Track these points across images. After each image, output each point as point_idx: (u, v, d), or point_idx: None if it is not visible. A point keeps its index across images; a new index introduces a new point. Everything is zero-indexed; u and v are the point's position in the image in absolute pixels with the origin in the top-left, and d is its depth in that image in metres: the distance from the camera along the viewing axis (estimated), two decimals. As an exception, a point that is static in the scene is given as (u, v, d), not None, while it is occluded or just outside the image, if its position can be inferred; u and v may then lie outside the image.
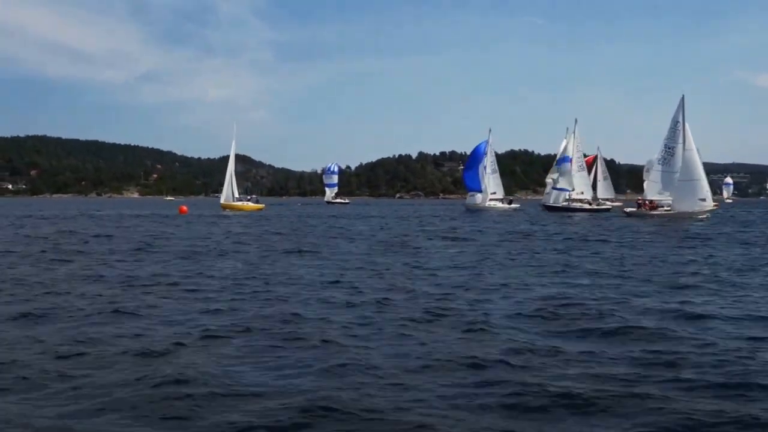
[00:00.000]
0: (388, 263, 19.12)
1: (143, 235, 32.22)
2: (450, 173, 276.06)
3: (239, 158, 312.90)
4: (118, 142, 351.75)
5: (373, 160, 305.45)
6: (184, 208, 69.02)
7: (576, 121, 69.55)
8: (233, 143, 74.52)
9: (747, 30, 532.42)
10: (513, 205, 74.82)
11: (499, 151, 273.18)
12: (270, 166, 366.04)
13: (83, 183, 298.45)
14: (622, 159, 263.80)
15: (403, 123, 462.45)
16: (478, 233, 34.40)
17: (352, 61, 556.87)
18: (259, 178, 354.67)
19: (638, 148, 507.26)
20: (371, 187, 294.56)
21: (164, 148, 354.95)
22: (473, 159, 73.16)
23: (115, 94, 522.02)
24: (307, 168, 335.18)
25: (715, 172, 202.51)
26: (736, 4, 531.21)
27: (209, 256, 21.53)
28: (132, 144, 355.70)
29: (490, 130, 73.28)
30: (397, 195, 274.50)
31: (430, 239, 30.07)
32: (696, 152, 50.61)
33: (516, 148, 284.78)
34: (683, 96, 51.69)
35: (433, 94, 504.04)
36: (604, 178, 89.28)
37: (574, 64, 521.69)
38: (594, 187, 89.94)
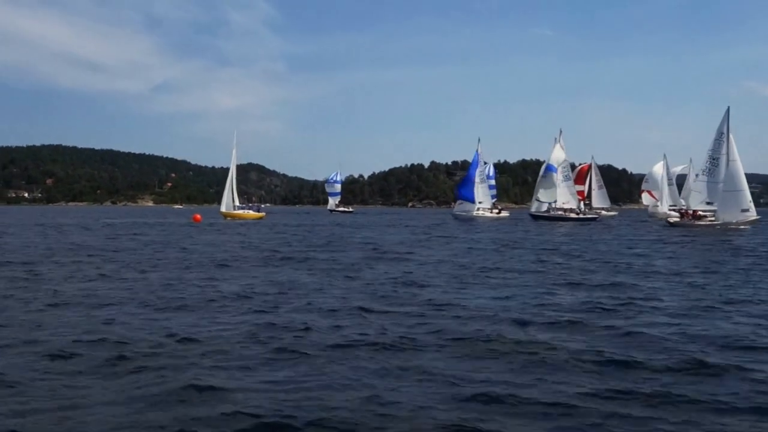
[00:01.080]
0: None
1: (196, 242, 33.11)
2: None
3: (253, 167, 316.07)
4: (132, 152, 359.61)
5: (386, 170, 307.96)
6: (198, 216, 69.68)
7: (561, 131, 71.41)
8: (234, 151, 75.31)
9: (754, 41, 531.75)
10: (502, 214, 76.73)
11: (511, 161, 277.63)
12: (284, 175, 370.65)
13: (98, 191, 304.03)
14: (635, 169, 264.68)
15: (415, 132, 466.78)
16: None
17: (363, 71, 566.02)
18: (272, 186, 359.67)
19: (651, 159, 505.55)
20: (384, 196, 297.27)
21: (178, 157, 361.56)
22: (471, 169, 75.12)
23: (130, 104, 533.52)
24: (320, 177, 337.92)
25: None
26: (742, 16, 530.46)
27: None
28: (147, 153, 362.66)
29: (479, 140, 75.75)
30: (410, 204, 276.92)
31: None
32: (740, 163, 51.37)
33: (528, 158, 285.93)
34: (728, 108, 51.87)
35: (445, 103, 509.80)
36: (599, 187, 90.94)
37: (584, 74, 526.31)
38: (589, 196, 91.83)
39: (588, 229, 54.30)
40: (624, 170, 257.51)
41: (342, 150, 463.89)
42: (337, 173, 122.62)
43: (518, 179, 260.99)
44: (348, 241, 35.38)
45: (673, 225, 55.83)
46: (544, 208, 69.34)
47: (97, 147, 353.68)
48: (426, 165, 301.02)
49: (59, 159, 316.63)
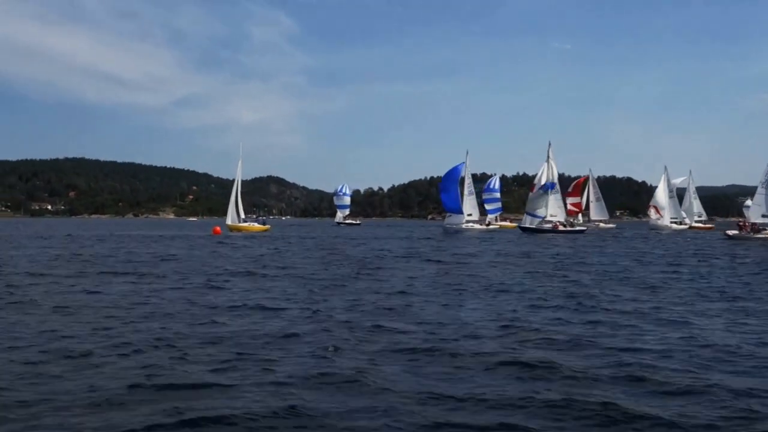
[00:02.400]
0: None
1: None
2: (480, 195, 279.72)
3: (273, 180, 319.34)
4: (154, 165, 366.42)
5: (405, 182, 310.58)
6: (218, 228, 69.46)
7: (550, 144, 73.08)
8: (239, 164, 74.35)
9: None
10: (491, 227, 78.44)
11: (530, 173, 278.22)
12: (303, 187, 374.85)
13: (120, 204, 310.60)
14: (653, 181, 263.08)
15: (434, 145, 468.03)
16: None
17: (383, 84, 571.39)
18: (293, 199, 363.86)
19: (670, 171, 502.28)
20: (404, 208, 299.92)
21: (200, 170, 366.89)
22: (449, 179, 76.33)
23: (153, 117, 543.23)
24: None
25: (744, 194, 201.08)
26: (763, 28, 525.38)
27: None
28: (168, 166, 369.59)
29: (467, 152, 77.92)
30: (429, 216, 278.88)
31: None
32: None
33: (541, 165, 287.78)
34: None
35: (463, 116, 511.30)
36: (597, 200, 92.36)
37: (604, 87, 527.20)
38: (587, 207, 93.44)
39: (619, 242, 53.46)
40: (644, 183, 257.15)
41: (361, 162, 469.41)
42: (344, 186, 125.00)
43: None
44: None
45: (731, 238, 55.79)
46: (534, 221, 70.76)
47: (120, 160, 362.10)
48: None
49: (82, 172, 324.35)
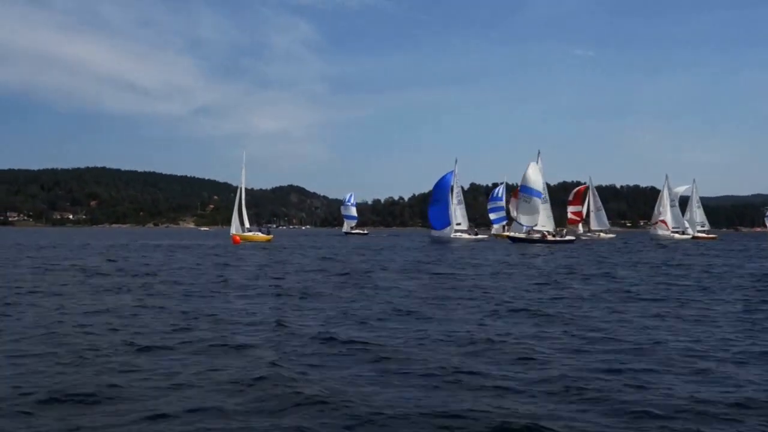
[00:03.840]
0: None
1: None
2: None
3: (294, 189, 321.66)
4: (175, 174, 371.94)
5: (426, 191, 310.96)
6: (238, 238, 70.12)
7: (539, 152, 73.82)
8: (243, 171, 75.80)
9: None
10: (479, 236, 78.96)
11: (551, 183, 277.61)
12: (324, 197, 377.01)
13: (141, 213, 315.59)
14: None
15: (455, 154, 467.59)
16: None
17: (403, 92, 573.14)
18: (313, 208, 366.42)
19: (689, 181, 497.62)
20: (424, 218, 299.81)
21: (220, 179, 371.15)
22: (440, 191, 76.34)
23: (173, 126, 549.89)
24: (359, 199, 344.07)
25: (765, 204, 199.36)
26: None
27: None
28: (189, 175, 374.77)
29: (456, 161, 78.41)
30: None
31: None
32: None
33: (569, 180, 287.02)
34: None
35: (485, 124, 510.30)
36: (597, 209, 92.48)
37: (626, 94, 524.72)
38: (587, 217, 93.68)
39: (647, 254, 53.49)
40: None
41: (382, 171, 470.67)
42: (351, 195, 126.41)
43: (557, 201, 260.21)
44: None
45: None
46: (524, 230, 71.34)
47: (140, 169, 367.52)
48: (466, 187, 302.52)
49: (103, 181, 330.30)
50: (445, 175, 75.94)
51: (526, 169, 71.13)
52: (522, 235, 70.08)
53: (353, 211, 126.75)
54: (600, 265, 35.86)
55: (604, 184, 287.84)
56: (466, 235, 76.54)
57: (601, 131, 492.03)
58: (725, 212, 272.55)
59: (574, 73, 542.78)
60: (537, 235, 69.76)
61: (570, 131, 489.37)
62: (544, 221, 71.03)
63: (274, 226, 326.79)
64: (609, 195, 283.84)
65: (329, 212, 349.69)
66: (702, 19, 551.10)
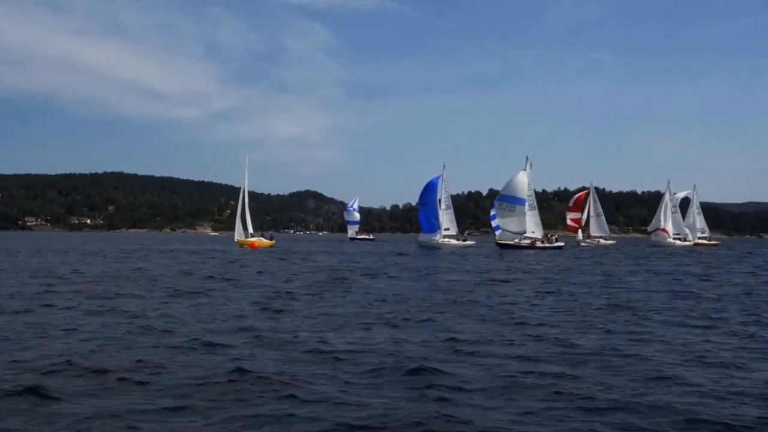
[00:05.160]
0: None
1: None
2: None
3: (311, 195, 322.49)
4: (192, 179, 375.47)
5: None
6: (256, 243, 69.88)
7: (527, 158, 73.40)
8: (245, 174, 75.09)
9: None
10: (467, 242, 78.58)
11: (571, 188, 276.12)
12: (341, 202, 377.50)
13: (158, 218, 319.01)
14: (703, 197, 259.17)
15: (473, 159, 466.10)
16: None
17: (421, 97, 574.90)
18: (330, 214, 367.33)
19: (714, 187, 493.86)
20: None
21: (237, 184, 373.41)
22: (429, 196, 76.38)
23: (190, 131, 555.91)
24: (375, 204, 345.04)
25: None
26: None
27: None
28: (206, 180, 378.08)
29: (444, 166, 78.29)
30: (466, 232, 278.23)
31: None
32: None
33: (587, 185, 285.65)
34: None
35: (503, 129, 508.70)
36: (597, 215, 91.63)
37: (646, 99, 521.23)
38: (587, 223, 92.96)
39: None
40: (686, 198, 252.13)
41: (399, 177, 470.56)
42: (355, 201, 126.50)
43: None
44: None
45: None
46: (508, 237, 70.99)
47: (158, 174, 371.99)
48: (484, 193, 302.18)
49: (120, 186, 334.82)
50: (432, 180, 76.00)
51: (514, 176, 71.16)
52: (510, 242, 69.79)
53: (356, 216, 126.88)
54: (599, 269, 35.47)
55: (624, 190, 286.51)
56: (454, 241, 76.25)
57: (622, 136, 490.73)
58: (748, 219, 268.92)
59: (592, 78, 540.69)
60: (526, 242, 69.44)
61: (590, 136, 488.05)
62: (532, 227, 70.63)
63: (291, 231, 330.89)
64: (631, 201, 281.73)
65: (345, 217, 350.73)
66: (732, 24, 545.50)
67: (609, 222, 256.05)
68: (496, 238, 72.93)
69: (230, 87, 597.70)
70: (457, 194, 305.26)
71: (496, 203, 74.07)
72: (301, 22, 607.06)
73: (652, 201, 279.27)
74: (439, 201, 75.94)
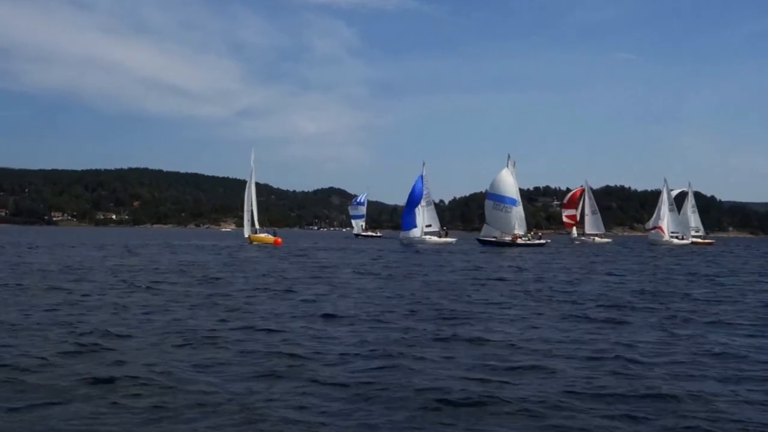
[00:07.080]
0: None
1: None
2: (543, 208, 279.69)
3: (335, 192, 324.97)
4: (217, 175, 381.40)
5: (467, 195, 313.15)
6: (279, 240, 70.15)
7: (509, 156, 75.31)
8: (252, 171, 75.55)
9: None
10: (449, 239, 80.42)
11: (595, 187, 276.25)
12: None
13: (183, 214, 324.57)
14: (723, 196, 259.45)
15: (497, 158, 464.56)
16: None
17: (444, 96, 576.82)
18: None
19: (741, 186, 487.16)
20: (465, 221, 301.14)
21: (261, 181, 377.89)
22: (414, 198, 76.83)
23: (215, 128, 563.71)
24: (400, 201, 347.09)
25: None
26: None
27: None
28: (231, 177, 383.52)
29: (423, 164, 79.77)
30: (444, 228, 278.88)
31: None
32: None
33: (612, 184, 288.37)
34: None
35: (526, 129, 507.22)
36: (593, 213, 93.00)
37: (670, 100, 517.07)
38: (582, 220, 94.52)
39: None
40: (712, 197, 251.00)
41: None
42: (363, 195, 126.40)
43: (601, 205, 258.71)
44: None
45: None
46: (494, 233, 72.87)
47: (182, 171, 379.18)
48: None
49: (146, 182, 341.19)
50: (416, 182, 76.77)
51: (497, 174, 73.06)
52: (491, 238, 71.82)
53: (362, 210, 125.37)
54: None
55: (650, 189, 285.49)
56: (435, 237, 78.17)
57: (647, 135, 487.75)
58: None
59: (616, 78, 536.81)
60: (507, 238, 71.34)
61: (608, 136, 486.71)
62: (517, 224, 72.61)
63: (315, 228, 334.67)
64: (657, 199, 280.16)
65: (369, 215, 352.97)
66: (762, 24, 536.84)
67: (635, 220, 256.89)
68: (480, 234, 74.99)
69: (254, 85, 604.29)
70: (481, 191, 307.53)
71: (490, 202, 75.21)
72: (324, 21, 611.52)
73: (677, 200, 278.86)
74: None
